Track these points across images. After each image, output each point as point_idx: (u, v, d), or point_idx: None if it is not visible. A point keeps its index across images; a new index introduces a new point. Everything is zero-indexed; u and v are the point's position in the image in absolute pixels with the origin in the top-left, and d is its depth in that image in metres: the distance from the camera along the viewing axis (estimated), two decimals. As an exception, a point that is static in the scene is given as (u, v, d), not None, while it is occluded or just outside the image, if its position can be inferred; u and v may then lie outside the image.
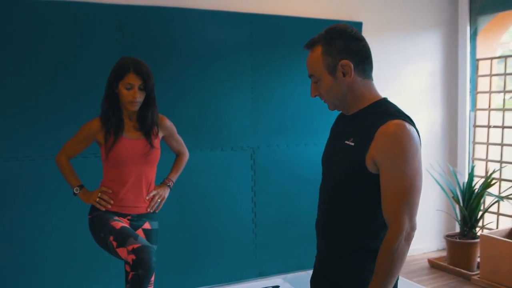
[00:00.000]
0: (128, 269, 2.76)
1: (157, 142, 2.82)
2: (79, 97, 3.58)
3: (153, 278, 2.62)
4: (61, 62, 3.55)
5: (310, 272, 4.77)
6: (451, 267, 4.64)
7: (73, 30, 3.57)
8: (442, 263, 4.76)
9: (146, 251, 2.53)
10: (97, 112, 2.77)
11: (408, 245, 1.70)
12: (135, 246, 2.53)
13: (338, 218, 1.86)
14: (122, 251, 2.57)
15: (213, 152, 4.05)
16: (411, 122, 1.76)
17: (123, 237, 2.59)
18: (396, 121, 1.71)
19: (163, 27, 3.84)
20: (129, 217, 2.78)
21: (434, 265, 4.81)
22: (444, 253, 5.02)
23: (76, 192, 2.81)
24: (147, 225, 2.84)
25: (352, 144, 1.79)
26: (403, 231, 1.67)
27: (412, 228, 1.70)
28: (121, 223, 2.70)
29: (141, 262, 2.50)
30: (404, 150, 1.68)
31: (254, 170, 4.19)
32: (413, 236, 1.71)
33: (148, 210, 2.84)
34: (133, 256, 2.51)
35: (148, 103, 2.75)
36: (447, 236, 4.80)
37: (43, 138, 3.55)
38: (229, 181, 4.17)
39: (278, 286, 4.25)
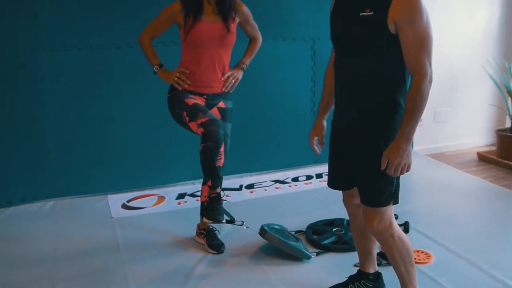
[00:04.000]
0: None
1: (233, 27, 2.94)
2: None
3: (222, 149, 2.82)
4: None
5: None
6: (499, 159, 4.77)
7: None
8: (491, 156, 4.90)
9: (213, 124, 2.71)
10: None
11: (430, 86, 1.99)
12: (204, 119, 2.73)
13: (370, 83, 2.09)
14: (193, 125, 2.78)
15: (275, 42, 4.15)
16: None
17: (194, 112, 2.79)
18: None
19: None
20: (205, 96, 2.97)
21: (483, 158, 4.95)
22: (493, 148, 5.13)
23: (156, 71, 2.98)
24: (221, 104, 3.03)
25: (371, 13, 2.00)
26: (427, 73, 1.97)
27: (431, 72, 1.99)
28: (194, 100, 2.89)
29: (209, 134, 2.69)
30: (418, 7, 1.94)
31: (314, 60, 4.29)
32: (432, 79, 1.99)
33: (223, 89, 3.02)
34: (202, 129, 2.71)
35: None
36: (498, 130, 4.90)
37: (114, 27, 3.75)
38: (290, 71, 4.30)
39: (333, 172, 4.47)
